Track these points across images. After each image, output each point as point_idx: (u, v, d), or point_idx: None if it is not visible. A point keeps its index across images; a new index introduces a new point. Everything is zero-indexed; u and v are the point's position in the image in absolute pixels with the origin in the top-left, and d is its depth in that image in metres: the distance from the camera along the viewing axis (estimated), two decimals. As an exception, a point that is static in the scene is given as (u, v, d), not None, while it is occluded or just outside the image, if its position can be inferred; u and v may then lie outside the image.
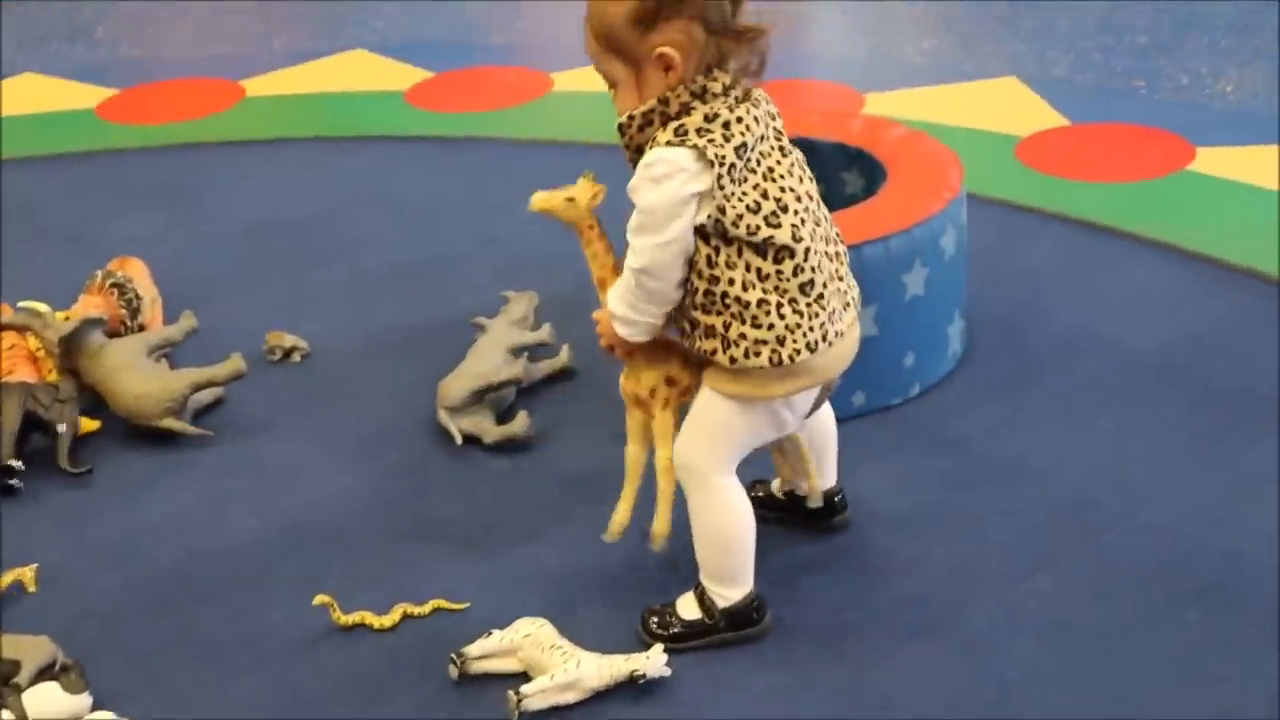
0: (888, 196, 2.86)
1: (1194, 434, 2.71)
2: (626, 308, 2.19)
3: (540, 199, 2.27)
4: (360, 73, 4.86)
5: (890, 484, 2.64)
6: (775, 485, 2.56)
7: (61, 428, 2.82)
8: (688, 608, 2.32)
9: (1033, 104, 4.21)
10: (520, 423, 2.81)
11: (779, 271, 2.11)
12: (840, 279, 2.23)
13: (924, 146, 3.03)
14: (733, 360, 2.15)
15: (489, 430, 2.82)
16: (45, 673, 2.25)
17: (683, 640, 2.30)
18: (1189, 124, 3.96)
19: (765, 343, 2.13)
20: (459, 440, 2.81)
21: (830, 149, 3.10)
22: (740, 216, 2.09)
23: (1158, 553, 2.43)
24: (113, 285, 3.18)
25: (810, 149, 3.05)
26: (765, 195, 2.11)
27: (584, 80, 3.83)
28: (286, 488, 2.76)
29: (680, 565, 2.37)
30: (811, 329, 2.14)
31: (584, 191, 2.26)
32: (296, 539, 2.62)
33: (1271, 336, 2.96)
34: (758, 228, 2.10)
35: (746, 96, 2.13)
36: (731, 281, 2.12)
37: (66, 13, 5.63)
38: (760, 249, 2.11)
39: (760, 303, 2.12)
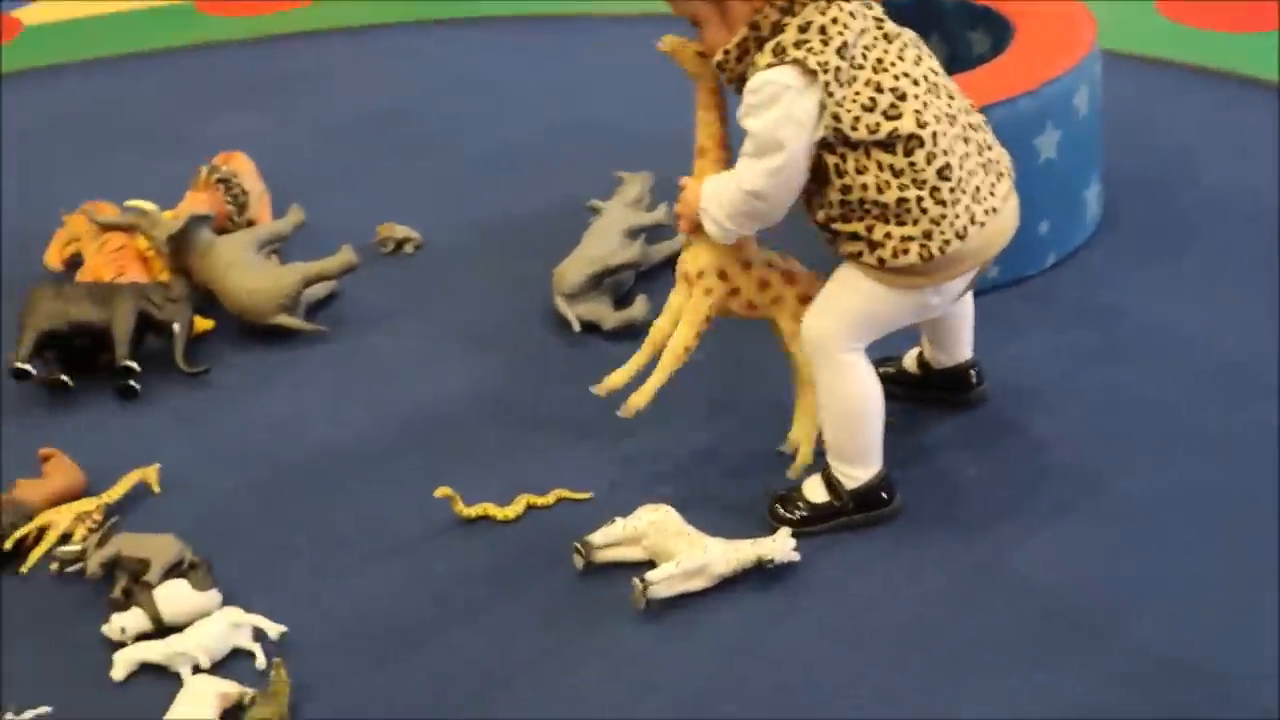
0: (1015, 55, 2.85)
1: (1350, 295, 2.70)
2: (725, 216, 2.23)
3: (671, 39, 2.30)
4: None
5: (1027, 357, 2.66)
6: (908, 359, 2.59)
7: (176, 327, 2.91)
8: (815, 490, 2.36)
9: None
10: (639, 307, 2.86)
11: (912, 164, 2.13)
12: (989, 148, 2.23)
13: (1054, 1, 3.00)
14: (881, 261, 2.17)
15: (607, 316, 2.86)
16: (173, 570, 2.36)
17: (811, 524, 2.34)
18: (1348, -38, 3.86)
19: (912, 239, 2.15)
20: (577, 327, 2.86)
21: (955, 8, 3.10)
22: (858, 119, 2.12)
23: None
24: (219, 180, 3.26)
25: (935, 10, 3.08)
26: (879, 89, 2.13)
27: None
28: (403, 381, 2.84)
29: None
30: (958, 216, 2.15)
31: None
32: (415, 433, 2.70)
33: None
34: (878, 125, 2.12)
35: None
36: (865, 186, 2.14)
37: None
38: (887, 145, 2.12)
39: (900, 201, 2.13)
